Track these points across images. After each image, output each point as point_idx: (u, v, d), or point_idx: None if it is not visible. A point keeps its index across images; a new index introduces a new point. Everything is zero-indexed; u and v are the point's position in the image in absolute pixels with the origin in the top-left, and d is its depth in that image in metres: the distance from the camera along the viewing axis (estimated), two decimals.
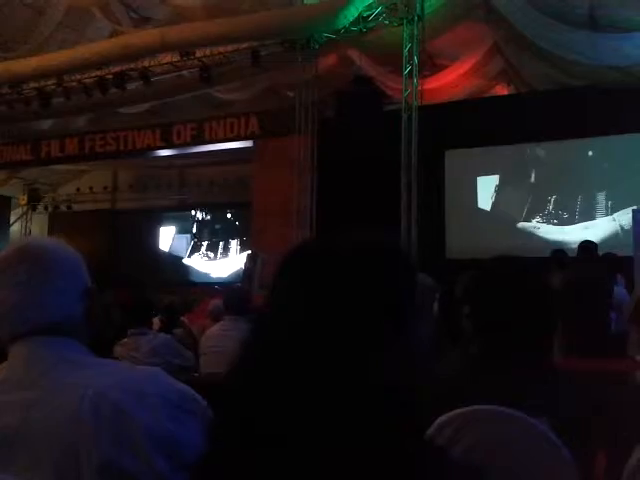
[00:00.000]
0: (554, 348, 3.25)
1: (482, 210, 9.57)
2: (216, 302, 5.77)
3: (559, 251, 7.08)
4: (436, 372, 1.54)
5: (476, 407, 1.25)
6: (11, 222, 15.38)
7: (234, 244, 13.99)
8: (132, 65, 10.53)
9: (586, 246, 4.84)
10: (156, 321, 4.80)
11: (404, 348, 0.85)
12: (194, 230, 14.70)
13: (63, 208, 15.81)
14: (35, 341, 1.18)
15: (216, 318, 5.09)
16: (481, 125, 8.82)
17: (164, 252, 14.68)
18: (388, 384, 0.81)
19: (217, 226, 14.45)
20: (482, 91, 10.14)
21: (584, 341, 3.55)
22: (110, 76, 10.70)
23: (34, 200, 15.74)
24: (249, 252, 10.47)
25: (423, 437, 0.88)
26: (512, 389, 1.35)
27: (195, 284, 13.35)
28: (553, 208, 9.25)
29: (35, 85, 11.29)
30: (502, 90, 10.28)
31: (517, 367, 1.42)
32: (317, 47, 9.81)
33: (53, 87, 11.30)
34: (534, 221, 9.34)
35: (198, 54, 10.32)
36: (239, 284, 9.36)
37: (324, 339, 0.81)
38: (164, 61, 10.55)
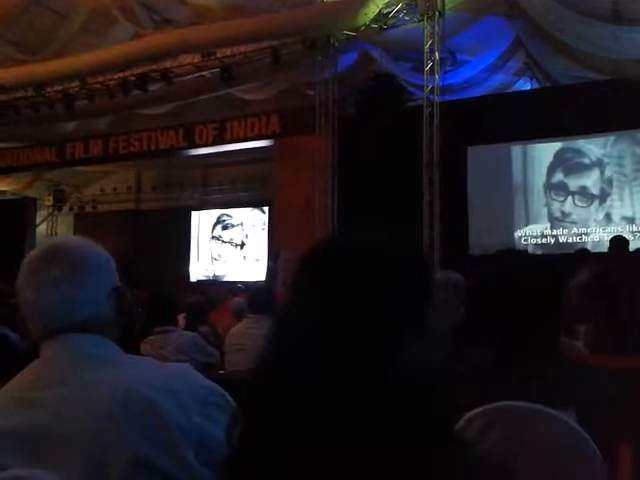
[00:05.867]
0: (580, 343, 3.21)
1: (505, 206, 9.48)
2: (238, 300, 5.80)
3: (583, 249, 7.06)
4: (456, 369, 1.53)
5: (504, 403, 1.25)
6: (37, 223, 15.60)
7: (257, 243, 14.04)
8: (154, 66, 10.62)
9: (617, 241, 4.77)
10: (181, 319, 4.84)
11: (425, 347, 0.85)
12: (217, 229, 14.77)
13: (88, 209, 15.99)
14: (67, 339, 1.20)
15: (238, 316, 5.12)
16: (503, 121, 8.74)
17: (188, 252, 14.76)
18: (411, 383, 0.81)
19: (239, 225, 14.50)
20: (505, 86, 10.05)
21: (614, 338, 3.49)
22: (132, 78, 10.80)
23: (59, 201, 15.93)
24: (272, 250, 10.51)
25: (450, 433, 0.88)
26: (528, 385, 1.35)
27: (220, 283, 13.42)
28: (575, 204, 9.13)
29: (59, 88, 11.43)
30: (525, 85, 10.18)
31: (530, 362, 1.43)
32: (337, 45, 9.81)
33: (77, 89, 11.44)
34: (554, 218, 9.23)
35: (219, 54, 10.37)
36: (263, 282, 9.40)
37: (343, 339, 0.81)
38: (185, 62, 10.62)
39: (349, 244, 0.90)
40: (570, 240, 9.03)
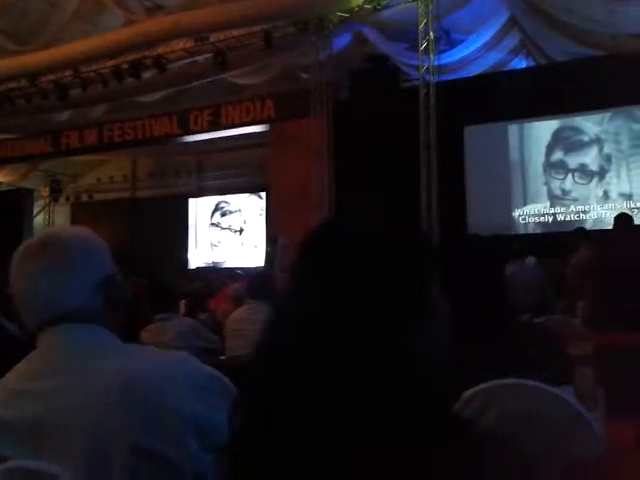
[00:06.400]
0: (578, 320, 3.22)
1: (503, 186, 9.47)
2: (236, 286, 5.81)
3: (581, 228, 7.08)
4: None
5: (501, 381, 1.25)
6: (34, 214, 15.57)
7: (255, 229, 14.03)
8: (146, 53, 10.55)
9: (623, 218, 4.76)
10: (182, 306, 4.85)
11: (428, 330, 0.85)
12: (215, 216, 14.77)
13: (85, 198, 15.96)
14: (62, 329, 1.20)
15: (237, 302, 5.13)
16: (500, 99, 8.70)
17: (186, 239, 14.77)
18: (414, 364, 0.81)
19: (237, 211, 14.49)
20: (500, 65, 10.00)
21: (619, 315, 3.48)
22: (125, 65, 10.73)
23: (56, 191, 15.89)
24: (269, 236, 10.51)
25: (449, 412, 0.88)
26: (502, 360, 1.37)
27: (219, 269, 13.44)
28: (575, 182, 9.12)
29: (52, 77, 11.37)
30: (521, 63, 10.13)
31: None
32: (330, 27, 9.73)
33: (70, 79, 11.37)
34: (554, 197, 9.23)
35: (211, 39, 10.30)
36: (261, 267, 9.43)
37: (344, 324, 0.81)
38: (178, 48, 10.55)
39: (348, 227, 0.90)
40: (569, 218, 9.03)
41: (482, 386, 1.24)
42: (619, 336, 3.13)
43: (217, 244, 14.61)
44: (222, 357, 3.86)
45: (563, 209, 9.16)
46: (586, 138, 9.06)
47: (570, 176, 9.14)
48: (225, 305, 5.76)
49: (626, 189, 8.78)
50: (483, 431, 0.89)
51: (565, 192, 9.17)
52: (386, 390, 0.78)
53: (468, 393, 1.22)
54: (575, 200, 9.09)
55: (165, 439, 1.11)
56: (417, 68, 9.33)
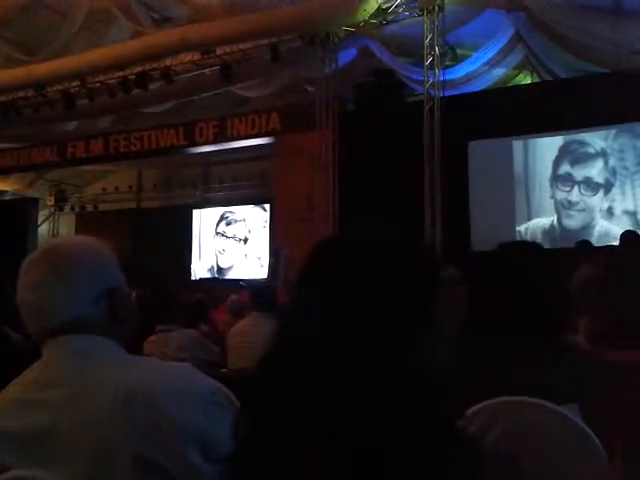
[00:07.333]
0: (581, 338, 3.20)
1: (507, 201, 9.47)
2: (234, 298, 5.80)
3: (585, 242, 7.05)
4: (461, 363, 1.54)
5: (505, 398, 1.25)
6: (39, 223, 15.60)
7: (259, 240, 14.04)
8: (154, 65, 10.62)
9: (629, 236, 4.75)
10: (184, 317, 4.84)
11: (431, 343, 0.85)
12: (220, 225, 14.78)
13: (90, 208, 15.99)
14: (67, 339, 1.20)
15: (235, 314, 5.12)
16: (504, 115, 8.73)
17: (190, 250, 14.77)
18: (417, 379, 0.81)
19: (242, 223, 14.50)
20: (505, 81, 10.04)
21: (623, 332, 3.46)
22: (133, 76, 10.80)
23: (61, 201, 15.93)
24: (272, 248, 10.51)
25: (454, 430, 0.88)
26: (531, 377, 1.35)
27: (222, 280, 13.43)
28: (581, 194, 9.11)
29: (59, 88, 11.44)
30: (525, 79, 10.17)
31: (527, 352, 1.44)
32: (337, 41, 9.79)
33: (77, 89, 11.44)
34: (561, 209, 9.22)
35: (218, 52, 10.37)
36: (265, 279, 9.42)
37: (349, 337, 0.81)
38: (185, 60, 10.62)
39: (353, 241, 0.90)
40: (574, 233, 9.01)
41: (487, 402, 1.24)
42: (622, 353, 3.12)
43: (222, 252, 14.61)
44: (224, 369, 3.85)
45: (568, 222, 9.15)
46: (592, 150, 9.07)
47: (576, 188, 9.14)
48: (225, 316, 5.76)
49: (630, 206, 8.77)
50: (486, 448, 0.88)
51: (572, 204, 9.16)
52: (390, 403, 0.78)
53: (472, 409, 1.22)
54: (582, 210, 9.08)
55: (167, 450, 1.11)
56: (422, 83, 9.37)
